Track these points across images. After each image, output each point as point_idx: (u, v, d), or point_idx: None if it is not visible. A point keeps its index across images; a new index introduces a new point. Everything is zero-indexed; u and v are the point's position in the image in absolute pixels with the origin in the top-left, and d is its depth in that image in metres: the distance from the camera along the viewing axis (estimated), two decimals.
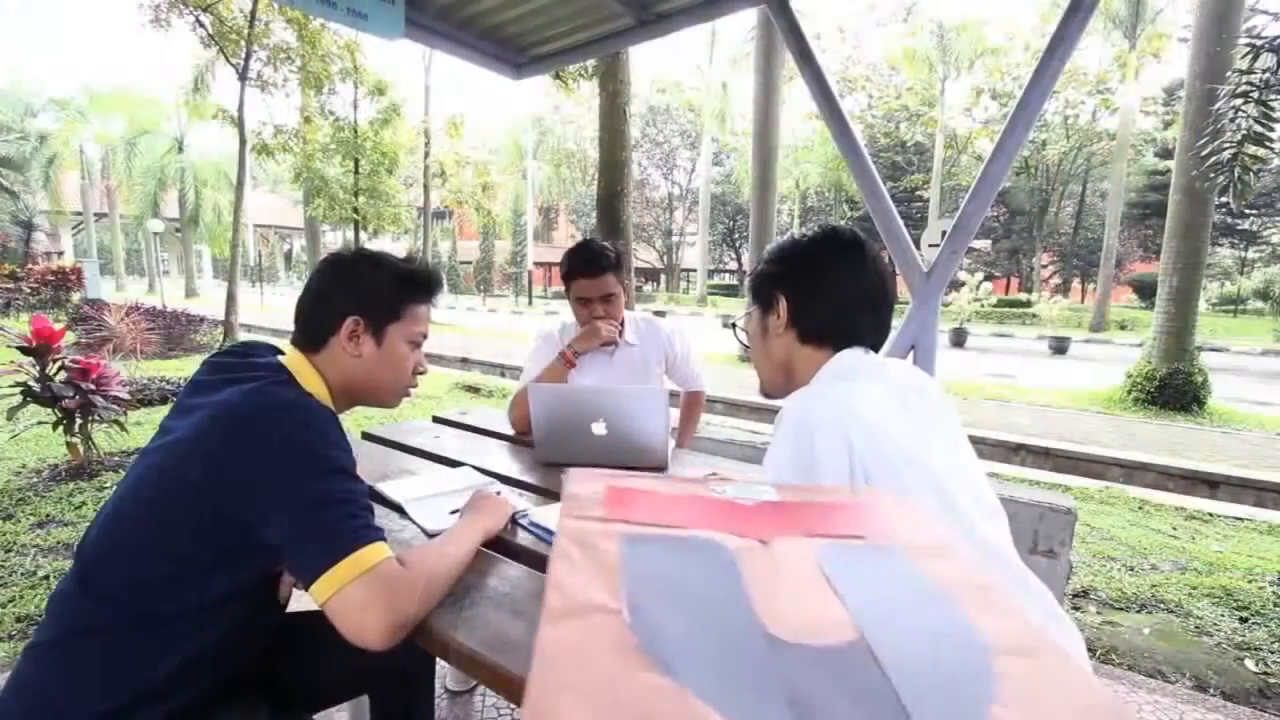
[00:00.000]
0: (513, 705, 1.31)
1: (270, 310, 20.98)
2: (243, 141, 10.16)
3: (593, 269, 1.78)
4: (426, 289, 1.08)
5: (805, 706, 0.32)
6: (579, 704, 0.30)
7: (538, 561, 1.02)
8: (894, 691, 0.33)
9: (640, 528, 0.47)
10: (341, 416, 1.02)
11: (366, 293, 1.01)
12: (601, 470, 0.56)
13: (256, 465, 0.80)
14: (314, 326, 1.01)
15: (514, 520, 1.16)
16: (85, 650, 0.80)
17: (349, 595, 0.77)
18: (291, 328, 1.07)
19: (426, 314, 1.09)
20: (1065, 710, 0.33)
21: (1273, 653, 2.24)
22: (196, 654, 0.83)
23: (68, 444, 3.61)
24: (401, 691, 1.17)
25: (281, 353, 1.02)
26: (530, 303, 29.54)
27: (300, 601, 0.85)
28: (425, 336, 1.09)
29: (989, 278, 20.84)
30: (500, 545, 1.09)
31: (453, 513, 1.17)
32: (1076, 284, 32.60)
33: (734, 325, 1.14)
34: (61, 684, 0.79)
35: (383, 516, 1.21)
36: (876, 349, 0.97)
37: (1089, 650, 2.13)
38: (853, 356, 0.93)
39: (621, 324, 1.91)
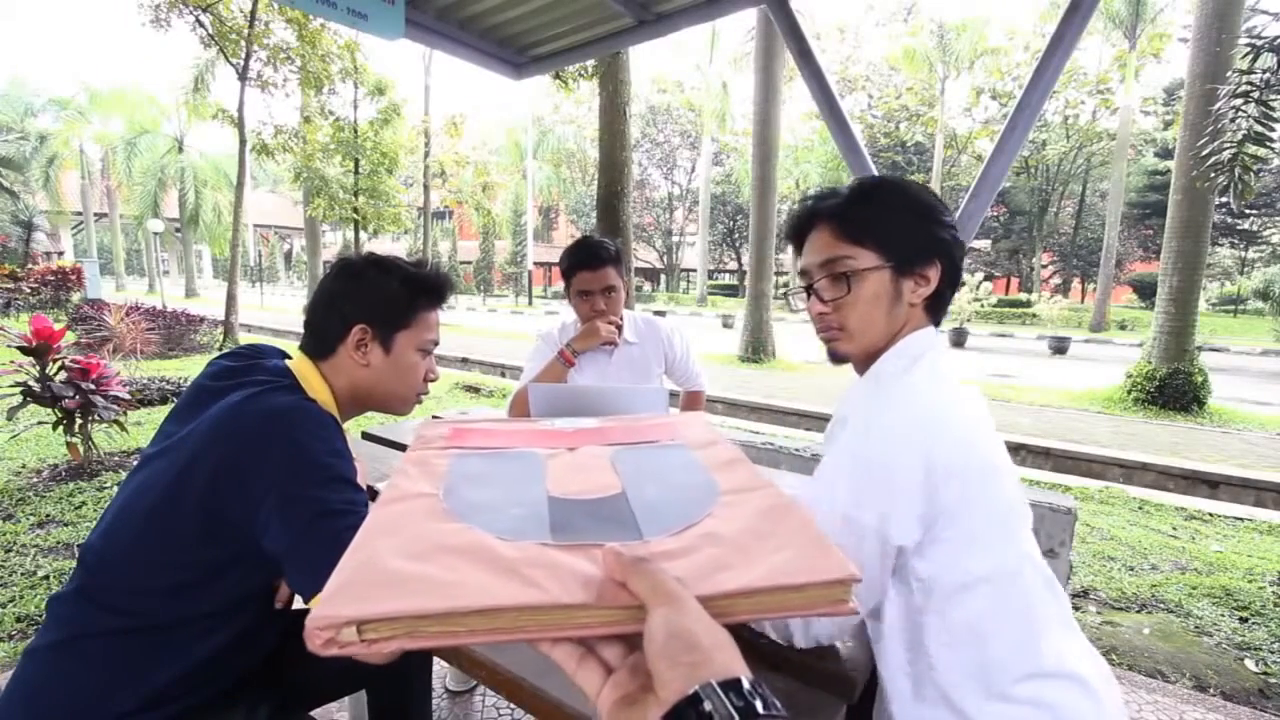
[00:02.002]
0: (513, 705, 1.31)
1: (270, 310, 21.00)
2: (243, 141, 10.16)
3: (594, 262, 1.78)
4: (437, 294, 1.04)
5: (563, 530, 0.40)
6: (391, 543, 0.38)
7: None
8: (632, 515, 0.43)
9: (470, 450, 0.55)
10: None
11: (375, 299, 0.98)
12: (453, 418, 0.62)
13: (257, 471, 0.79)
14: (322, 334, 0.98)
15: None
16: (88, 655, 0.80)
17: None
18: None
19: (437, 320, 1.06)
20: (759, 515, 0.42)
21: (1273, 653, 2.24)
22: (201, 661, 0.83)
23: (68, 444, 3.61)
24: (399, 686, 1.18)
25: (289, 356, 1.01)
26: (530, 303, 29.55)
27: (299, 598, 0.85)
28: (436, 343, 1.05)
29: (989, 278, 20.88)
30: None
31: None
32: (1076, 284, 32.59)
33: (845, 275, 0.83)
34: (64, 688, 0.79)
35: None
36: None
37: None
38: (929, 335, 0.86)
39: (621, 322, 1.92)
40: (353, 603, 0.33)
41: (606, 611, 0.34)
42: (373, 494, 1.28)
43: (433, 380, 1.08)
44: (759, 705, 0.27)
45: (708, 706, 0.27)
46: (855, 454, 0.75)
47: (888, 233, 0.82)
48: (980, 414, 0.81)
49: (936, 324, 0.88)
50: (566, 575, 0.35)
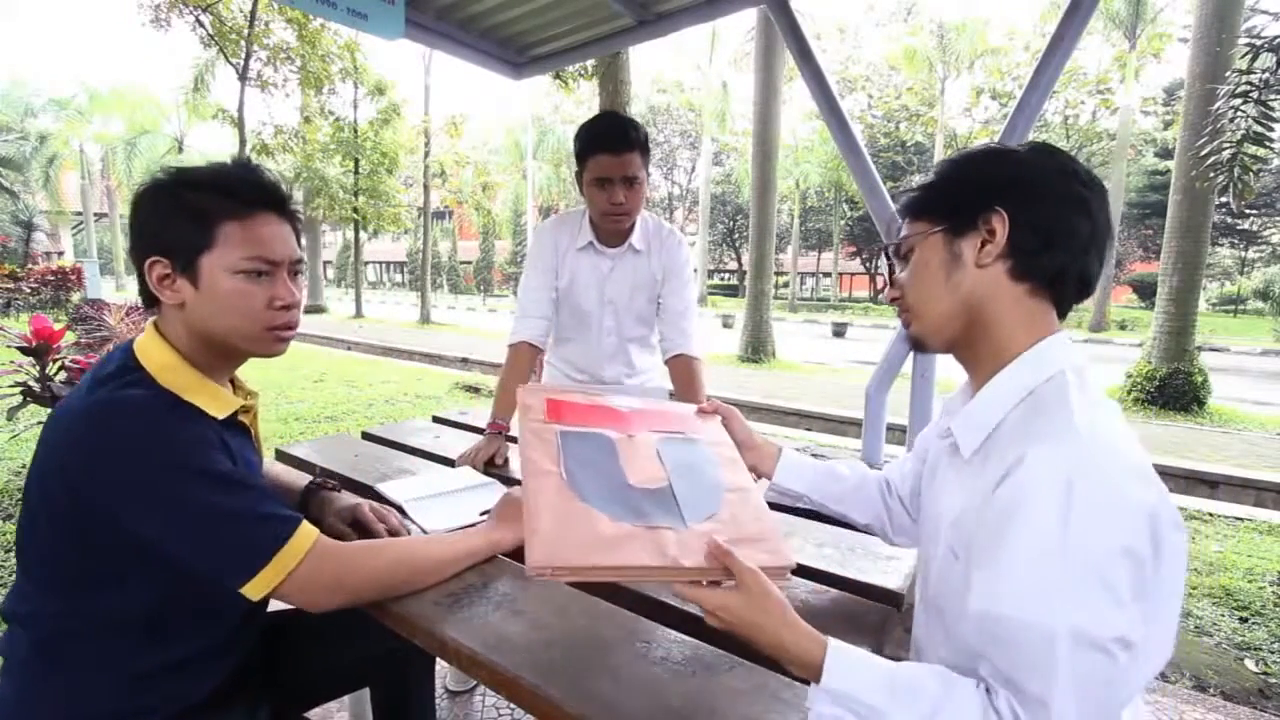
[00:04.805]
0: (513, 705, 1.31)
1: None
2: (243, 141, 10.18)
3: (619, 144, 1.47)
4: (238, 197, 0.80)
5: (637, 513, 0.72)
6: (548, 517, 0.69)
7: None
8: (677, 505, 0.75)
9: (565, 426, 0.85)
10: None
11: (161, 224, 0.79)
12: (542, 386, 0.95)
13: (81, 470, 0.73)
14: (141, 284, 0.81)
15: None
16: (30, 673, 0.79)
17: (290, 586, 0.78)
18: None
19: (260, 233, 0.80)
20: (749, 513, 0.77)
21: (1273, 653, 2.24)
22: (150, 672, 0.81)
23: None
24: (403, 684, 1.17)
25: None
26: None
27: (276, 602, 0.85)
28: (269, 261, 0.81)
29: None
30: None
31: (483, 513, 1.15)
32: None
33: (893, 247, 0.79)
34: (34, 700, 0.79)
35: None
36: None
37: None
38: (1074, 349, 0.69)
39: (630, 226, 1.65)
40: (562, 556, 0.64)
41: (683, 572, 0.67)
42: (373, 494, 1.28)
43: (285, 306, 0.84)
44: None
45: None
46: (1059, 545, 0.54)
47: (937, 195, 0.74)
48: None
49: (1059, 311, 0.71)
50: (653, 548, 0.67)
